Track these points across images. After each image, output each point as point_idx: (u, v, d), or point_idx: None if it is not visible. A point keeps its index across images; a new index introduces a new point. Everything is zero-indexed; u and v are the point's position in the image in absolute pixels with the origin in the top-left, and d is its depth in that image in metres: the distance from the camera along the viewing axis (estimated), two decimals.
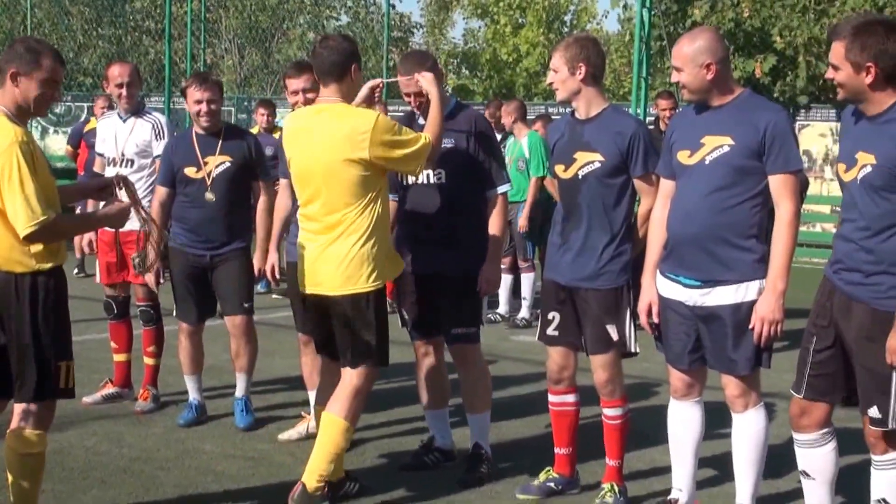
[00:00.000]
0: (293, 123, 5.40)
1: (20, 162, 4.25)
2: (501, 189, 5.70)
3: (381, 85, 5.61)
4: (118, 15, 26.19)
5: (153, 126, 6.85)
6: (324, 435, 5.17)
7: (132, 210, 4.80)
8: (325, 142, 5.04)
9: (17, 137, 4.29)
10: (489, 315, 9.78)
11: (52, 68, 4.46)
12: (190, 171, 6.46)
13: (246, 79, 27.13)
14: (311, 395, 6.27)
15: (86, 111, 19.37)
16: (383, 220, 5.20)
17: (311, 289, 5.23)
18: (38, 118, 24.10)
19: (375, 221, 5.10)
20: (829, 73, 4.38)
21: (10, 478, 4.55)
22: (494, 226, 5.72)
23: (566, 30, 33.50)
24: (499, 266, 5.80)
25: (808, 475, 4.66)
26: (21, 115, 4.46)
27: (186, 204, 6.53)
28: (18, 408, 4.56)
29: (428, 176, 5.62)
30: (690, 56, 4.75)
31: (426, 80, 5.38)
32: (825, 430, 4.59)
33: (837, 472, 4.65)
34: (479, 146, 5.63)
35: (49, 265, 4.46)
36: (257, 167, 6.65)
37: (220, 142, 6.49)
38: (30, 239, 4.33)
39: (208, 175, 6.45)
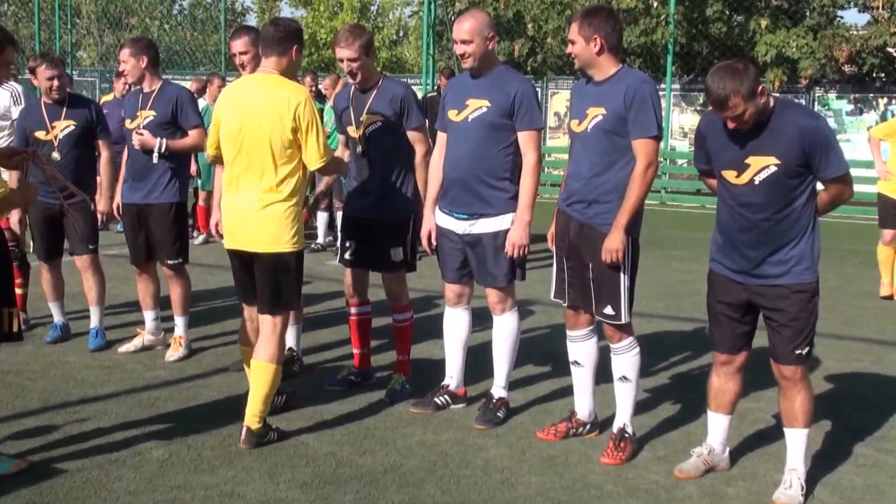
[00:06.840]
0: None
1: None
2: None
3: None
4: None
5: (11, 94, 6.45)
6: (257, 380, 4.51)
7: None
8: None
9: None
10: (311, 244, 9.71)
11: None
12: (40, 135, 6.07)
13: (105, 54, 25.76)
14: (146, 315, 6.13)
15: None
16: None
17: (237, 244, 4.51)
18: None
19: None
20: (569, 48, 4.39)
21: None
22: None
23: (374, 17, 33.31)
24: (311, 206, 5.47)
25: (578, 363, 4.67)
26: None
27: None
28: None
29: None
30: (478, 29, 4.63)
31: None
32: (590, 329, 4.62)
33: (598, 360, 4.67)
34: None
35: None
36: (98, 128, 6.22)
37: (65, 109, 6.10)
38: None
39: (55, 137, 6.06)
